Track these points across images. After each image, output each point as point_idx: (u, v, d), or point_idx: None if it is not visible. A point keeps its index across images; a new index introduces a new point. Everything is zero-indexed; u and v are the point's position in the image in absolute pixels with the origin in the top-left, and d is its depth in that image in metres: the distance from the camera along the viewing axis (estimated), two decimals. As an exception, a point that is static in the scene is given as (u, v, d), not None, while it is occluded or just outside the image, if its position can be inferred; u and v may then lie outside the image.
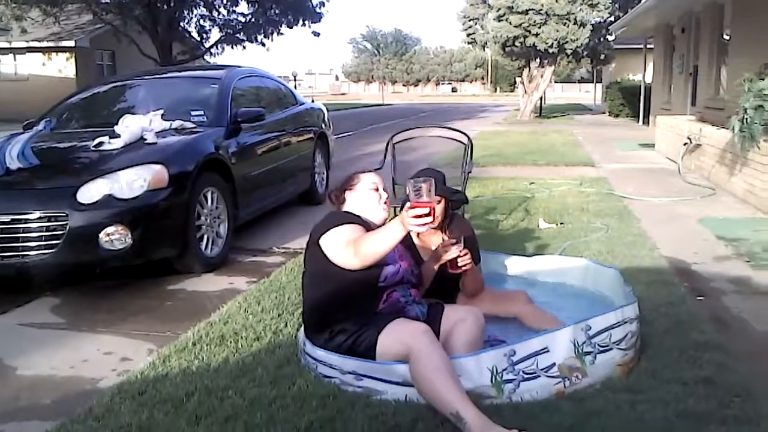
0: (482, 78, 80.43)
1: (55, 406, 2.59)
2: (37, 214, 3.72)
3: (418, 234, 3.04)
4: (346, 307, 2.58)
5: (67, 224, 3.72)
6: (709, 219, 5.68)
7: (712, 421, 2.22)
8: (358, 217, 2.70)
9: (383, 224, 2.61)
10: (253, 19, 21.12)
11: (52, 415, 2.47)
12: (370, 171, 2.92)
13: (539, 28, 19.75)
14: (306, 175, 6.50)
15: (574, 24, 19.71)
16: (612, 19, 19.52)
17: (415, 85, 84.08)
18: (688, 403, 2.32)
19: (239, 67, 6.25)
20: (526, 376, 2.40)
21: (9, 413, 2.55)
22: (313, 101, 7.62)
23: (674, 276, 3.98)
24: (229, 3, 21.03)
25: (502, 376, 2.37)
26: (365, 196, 2.77)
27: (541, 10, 19.47)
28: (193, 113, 5.08)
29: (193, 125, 4.90)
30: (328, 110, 7.69)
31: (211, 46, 21.74)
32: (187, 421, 2.28)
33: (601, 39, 20.67)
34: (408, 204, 2.25)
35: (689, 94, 12.95)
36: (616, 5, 19.60)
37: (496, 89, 73.60)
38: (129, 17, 18.83)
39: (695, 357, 2.71)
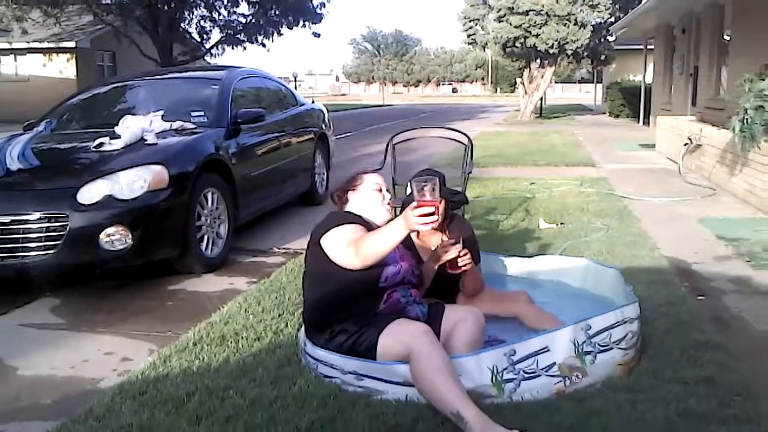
0: (483, 79, 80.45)
1: (55, 406, 2.59)
2: (37, 215, 3.72)
3: (417, 234, 3.04)
4: (347, 308, 2.58)
5: (67, 225, 3.72)
6: (710, 219, 5.68)
7: (712, 420, 2.22)
8: (360, 217, 2.69)
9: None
10: (253, 20, 21.13)
11: (52, 416, 2.47)
12: (374, 171, 2.91)
13: (540, 28, 19.76)
14: (306, 176, 6.50)
15: (575, 25, 19.72)
16: (612, 19, 19.54)
17: (416, 86, 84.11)
18: (689, 402, 2.32)
19: (239, 67, 6.25)
20: (526, 375, 2.40)
21: (10, 413, 2.55)
22: (313, 102, 7.62)
23: (675, 276, 3.98)
24: (229, 4, 21.04)
25: (502, 375, 2.37)
26: (368, 197, 2.76)
27: (541, 10, 19.48)
28: (194, 114, 5.08)
29: (194, 126, 4.90)
30: (328, 111, 7.69)
31: (212, 47, 21.76)
32: (187, 421, 2.28)
33: (602, 40, 20.68)
34: (414, 203, 2.24)
35: (690, 94, 12.95)
36: (617, 6, 19.62)
37: (496, 90, 73.63)
38: (129, 18, 18.85)
39: (696, 356, 2.71)
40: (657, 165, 9.53)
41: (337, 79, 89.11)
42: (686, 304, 3.40)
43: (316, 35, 22.64)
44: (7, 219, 3.71)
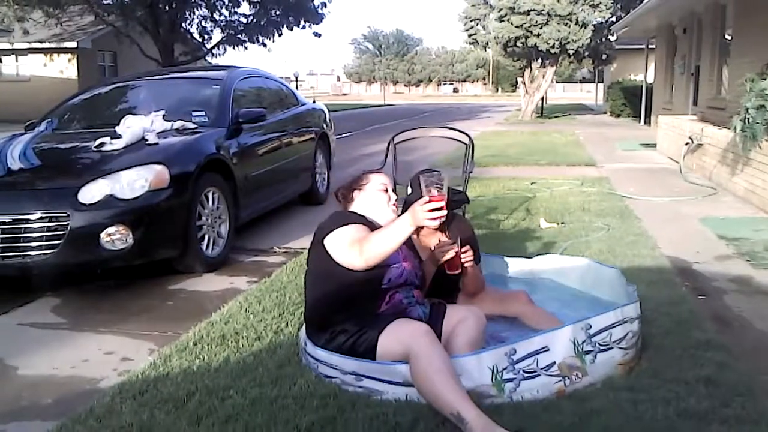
0: (484, 78, 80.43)
1: (56, 405, 2.59)
2: (38, 215, 3.72)
3: (417, 234, 3.04)
4: (348, 308, 2.57)
5: (68, 224, 3.72)
6: (711, 218, 5.67)
7: (713, 420, 2.21)
8: (364, 217, 2.68)
9: None
10: (254, 20, 21.13)
11: (53, 415, 2.47)
12: (379, 171, 2.89)
13: (541, 28, 19.76)
14: (307, 176, 6.50)
15: (576, 24, 19.71)
16: (614, 19, 19.52)
17: (417, 86, 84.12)
18: (690, 402, 2.32)
19: (240, 67, 6.25)
20: (526, 375, 2.39)
21: (10, 413, 2.55)
22: (314, 102, 7.62)
23: (675, 275, 3.98)
24: (230, 4, 21.05)
25: (502, 375, 2.37)
26: (374, 197, 2.75)
27: (542, 10, 19.48)
28: (195, 114, 5.08)
29: (195, 126, 4.90)
30: (329, 111, 7.69)
31: (213, 47, 21.77)
32: (188, 421, 2.28)
33: (603, 39, 20.67)
34: (425, 198, 2.25)
35: (691, 94, 12.94)
36: (618, 6, 19.60)
37: (497, 89, 73.61)
38: (131, 18, 18.85)
39: (697, 356, 2.71)
40: (658, 165, 9.52)
41: (338, 78, 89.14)
42: (687, 304, 3.39)
43: (317, 35, 22.67)
44: (8, 218, 3.71)
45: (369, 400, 2.37)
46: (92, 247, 3.78)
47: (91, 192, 3.82)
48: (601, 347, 2.53)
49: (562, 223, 5.44)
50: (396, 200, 2.80)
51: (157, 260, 4.19)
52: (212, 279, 4.29)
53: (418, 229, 2.70)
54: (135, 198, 3.90)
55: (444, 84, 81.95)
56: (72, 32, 22.75)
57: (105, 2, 19.60)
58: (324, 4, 21.47)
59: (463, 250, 2.77)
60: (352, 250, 2.46)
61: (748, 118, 6.09)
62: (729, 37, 10.45)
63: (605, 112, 25.00)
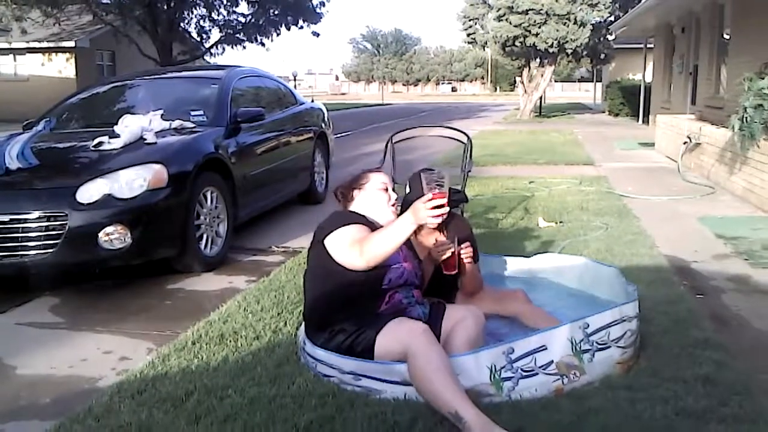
0: (482, 77, 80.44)
1: (54, 405, 2.59)
2: (36, 214, 3.72)
3: (415, 234, 3.04)
4: (348, 308, 2.57)
5: (66, 224, 3.72)
6: (709, 217, 5.68)
7: (711, 419, 2.22)
8: (364, 217, 2.67)
9: None
10: (253, 20, 21.12)
11: (51, 415, 2.47)
12: (379, 170, 2.87)
13: (539, 27, 19.77)
14: (305, 175, 6.50)
15: (574, 24, 19.72)
16: (612, 18, 19.53)
17: (415, 85, 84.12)
18: (688, 401, 2.32)
19: (239, 67, 6.25)
20: (524, 373, 2.40)
21: (8, 413, 2.55)
22: (312, 101, 7.62)
23: (674, 274, 3.98)
24: (229, 3, 21.04)
25: (500, 374, 2.37)
26: (374, 197, 2.73)
27: (541, 9, 19.48)
28: (193, 113, 5.08)
29: (193, 125, 4.90)
30: (327, 110, 7.69)
31: (211, 47, 21.75)
32: (186, 420, 2.28)
33: (601, 38, 20.69)
34: (427, 195, 2.25)
35: (689, 93, 12.95)
36: (616, 5, 19.61)
37: (496, 89, 73.61)
38: (129, 18, 18.84)
39: (695, 355, 2.71)
40: (656, 164, 9.53)
41: (337, 78, 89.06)
42: (685, 303, 3.40)
43: (316, 35, 22.65)
44: (6, 218, 3.70)
45: (367, 399, 2.37)
46: (90, 247, 3.77)
47: (90, 191, 3.82)
48: (599, 346, 2.53)
49: (561, 222, 5.44)
50: (396, 200, 2.80)
51: (156, 260, 4.18)
52: (211, 278, 4.29)
53: (417, 229, 2.70)
54: (133, 197, 3.89)
55: (442, 83, 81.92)
56: (70, 32, 22.74)
57: (103, 1, 19.58)
58: (322, 4, 21.48)
59: (462, 246, 2.77)
60: (352, 250, 2.45)
61: (746, 117, 6.10)
62: (727, 37, 10.46)
63: (604, 112, 25.01)
